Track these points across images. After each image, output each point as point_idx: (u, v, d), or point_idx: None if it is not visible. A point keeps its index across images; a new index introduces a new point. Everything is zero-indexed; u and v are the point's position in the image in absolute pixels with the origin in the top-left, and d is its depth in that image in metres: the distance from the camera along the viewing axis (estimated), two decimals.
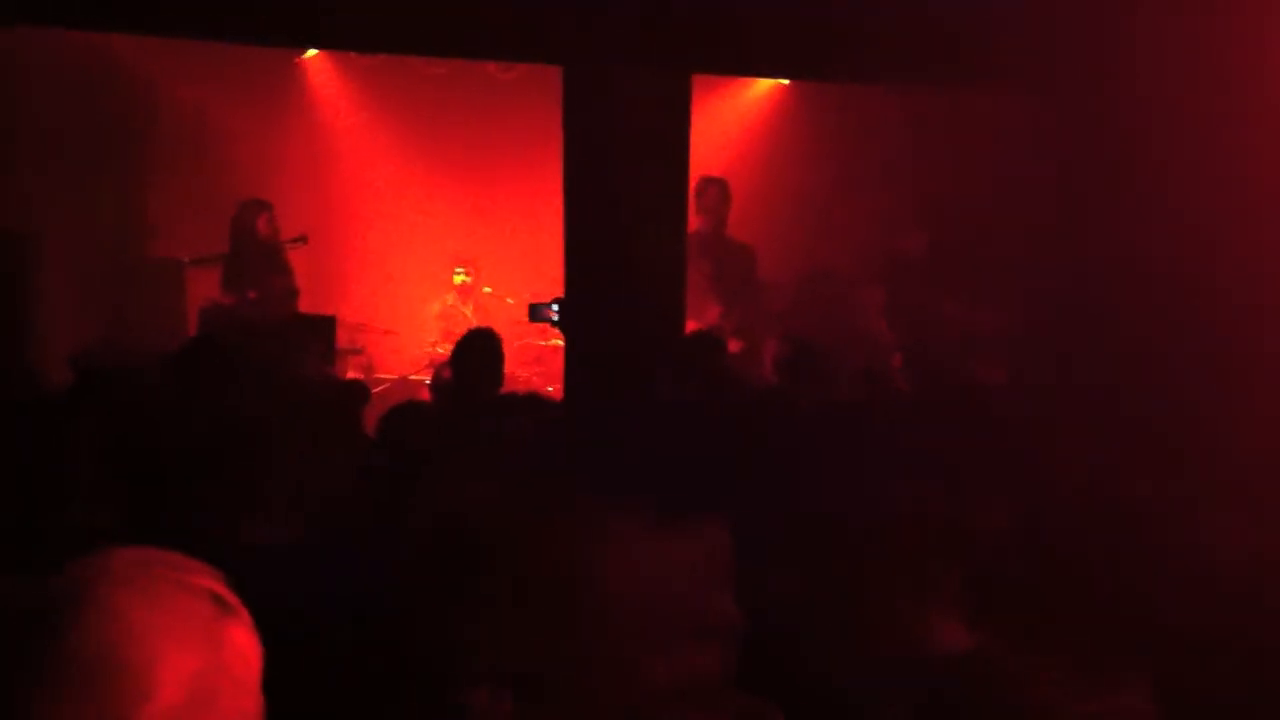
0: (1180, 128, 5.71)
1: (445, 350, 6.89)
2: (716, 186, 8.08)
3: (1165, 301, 5.74)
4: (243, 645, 1.30)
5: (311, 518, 2.80)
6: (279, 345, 5.76)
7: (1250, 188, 5.54)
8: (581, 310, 5.86)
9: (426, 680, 1.79)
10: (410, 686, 1.82)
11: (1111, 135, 6.13)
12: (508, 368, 9.03)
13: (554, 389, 8.18)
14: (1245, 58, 5.48)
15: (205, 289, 7.81)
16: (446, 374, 6.07)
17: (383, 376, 8.42)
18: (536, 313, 6.35)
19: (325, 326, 6.21)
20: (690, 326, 6.45)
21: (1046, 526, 2.87)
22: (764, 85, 9.64)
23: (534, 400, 4.65)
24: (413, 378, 8.44)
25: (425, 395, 7.53)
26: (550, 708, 1.77)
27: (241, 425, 2.89)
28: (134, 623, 1.21)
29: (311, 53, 9.18)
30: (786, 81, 9.45)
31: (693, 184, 6.19)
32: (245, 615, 1.32)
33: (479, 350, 5.40)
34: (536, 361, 9.11)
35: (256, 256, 7.79)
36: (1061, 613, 2.30)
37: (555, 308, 6.09)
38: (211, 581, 1.31)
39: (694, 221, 7.91)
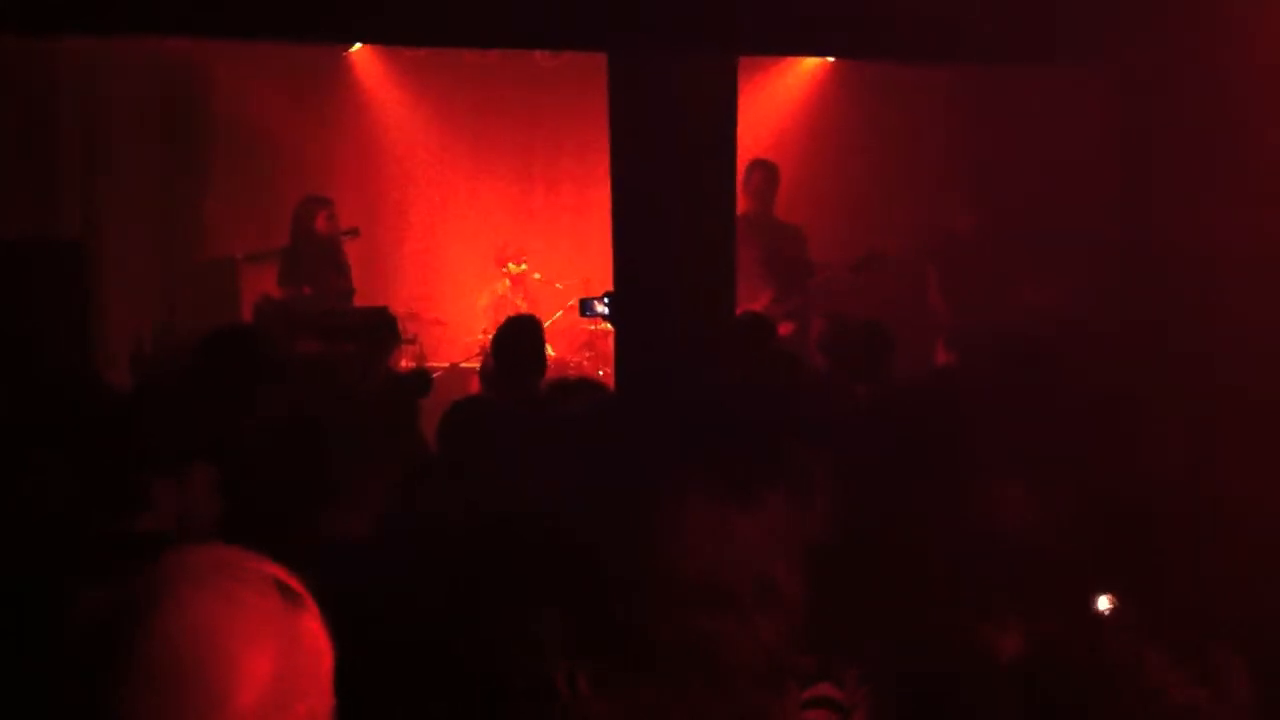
0: (1248, 101, 5.60)
1: None
2: (763, 169, 8.05)
3: (1239, 282, 5.63)
4: (314, 640, 1.30)
5: (382, 512, 2.83)
6: (352, 342, 5.80)
7: None
8: (630, 296, 5.86)
9: (502, 669, 1.82)
10: (485, 675, 1.85)
11: (1178, 112, 6.02)
12: (559, 353, 9.13)
13: (604, 373, 8.21)
14: None
15: (261, 284, 7.88)
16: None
17: (434, 365, 8.47)
18: (587, 307, 6.37)
19: (388, 320, 6.26)
20: (741, 310, 6.44)
21: (1136, 514, 2.85)
22: (808, 64, 9.59)
23: (586, 384, 4.68)
24: (463, 365, 8.50)
25: (475, 382, 7.59)
26: (628, 685, 1.81)
27: (314, 421, 2.92)
28: (213, 626, 1.22)
29: (358, 46, 9.23)
30: (831, 60, 9.40)
31: (739, 166, 6.15)
32: (312, 605, 1.33)
33: (519, 336, 5.42)
34: (587, 346, 9.14)
35: (314, 253, 7.85)
36: (1159, 601, 2.29)
37: (606, 301, 6.09)
38: (277, 571, 1.32)
39: (741, 204, 7.91)
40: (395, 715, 1.97)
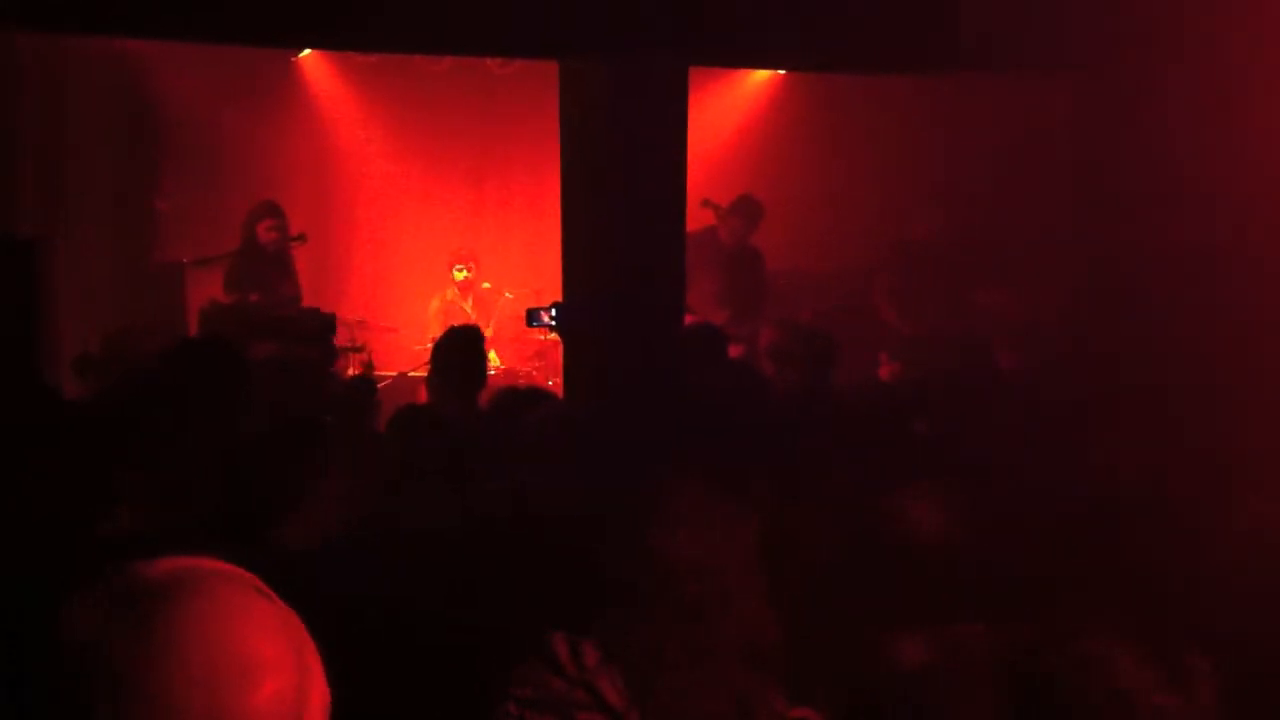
0: (1206, 111, 5.70)
1: None
2: (754, 204, 8.15)
3: (1195, 287, 5.72)
4: (309, 638, 1.30)
5: (339, 519, 2.81)
6: (285, 342, 5.74)
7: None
8: (580, 304, 5.86)
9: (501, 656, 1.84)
10: (483, 663, 1.86)
11: (1133, 119, 6.12)
12: (509, 363, 9.10)
13: (554, 383, 8.20)
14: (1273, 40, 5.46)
15: (207, 289, 7.82)
16: None
17: (383, 373, 8.42)
18: (533, 317, 6.35)
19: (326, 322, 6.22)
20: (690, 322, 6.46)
21: (1085, 519, 2.87)
22: (759, 76, 9.64)
23: (535, 394, 4.67)
24: (412, 374, 8.45)
25: (423, 391, 7.56)
26: (628, 664, 1.83)
27: (273, 428, 2.90)
28: (242, 612, 1.22)
29: (306, 51, 9.17)
30: (783, 72, 9.46)
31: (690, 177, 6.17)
32: (294, 612, 1.32)
33: (459, 347, 5.41)
34: (537, 356, 9.12)
35: (261, 259, 7.79)
36: (1129, 604, 2.31)
37: (553, 312, 6.09)
38: (257, 580, 1.31)
39: (710, 220, 7.99)
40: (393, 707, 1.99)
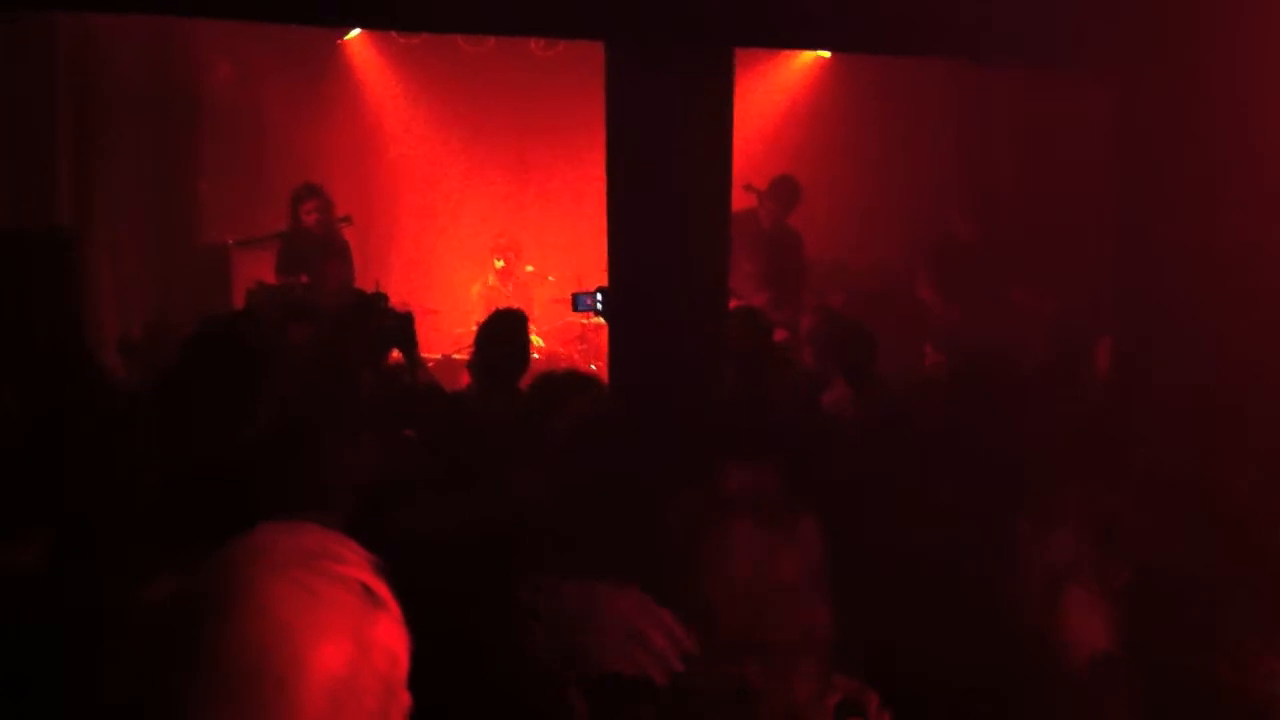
0: (1248, 110, 5.59)
1: None
2: (793, 183, 8.12)
3: (1237, 287, 5.62)
4: (390, 642, 1.27)
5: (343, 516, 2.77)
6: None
7: None
8: (624, 289, 5.82)
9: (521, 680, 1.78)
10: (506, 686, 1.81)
11: (1178, 118, 6.02)
12: (551, 346, 9.09)
13: (597, 366, 8.18)
14: None
15: (254, 270, 7.83)
16: None
17: (426, 356, 8.41)
18: (580, 302, 6.35)
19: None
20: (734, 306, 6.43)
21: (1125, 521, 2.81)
22: (805, 57, 9.56)
23: (578, 378, 4.63)
24: (455, 356, 8.45)
25: (465, 374, 7.55)
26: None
27: (275, 423, 2.87)
28: (284, 621, 1.19)
29: (353, 33, 9.18)
30: (827, 54, 9.37)
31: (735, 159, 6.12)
32: (394, 608, 1.30)
33: (504, 331, 5.39)
34: (579, 340, 9.11)
35: (309, 241, 7.79)
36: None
37: (599, 297, 6.06)
38: (363, 571, 1.28)
39: (751, 202, 7.94)
40: None
